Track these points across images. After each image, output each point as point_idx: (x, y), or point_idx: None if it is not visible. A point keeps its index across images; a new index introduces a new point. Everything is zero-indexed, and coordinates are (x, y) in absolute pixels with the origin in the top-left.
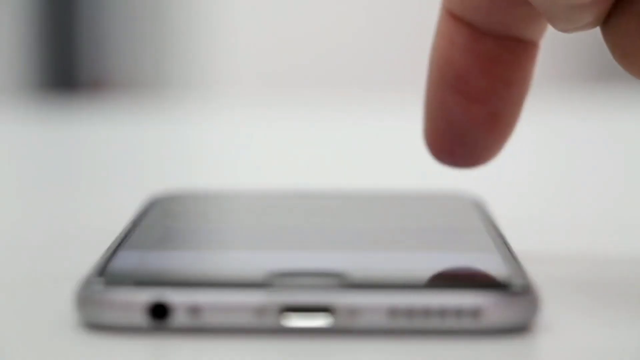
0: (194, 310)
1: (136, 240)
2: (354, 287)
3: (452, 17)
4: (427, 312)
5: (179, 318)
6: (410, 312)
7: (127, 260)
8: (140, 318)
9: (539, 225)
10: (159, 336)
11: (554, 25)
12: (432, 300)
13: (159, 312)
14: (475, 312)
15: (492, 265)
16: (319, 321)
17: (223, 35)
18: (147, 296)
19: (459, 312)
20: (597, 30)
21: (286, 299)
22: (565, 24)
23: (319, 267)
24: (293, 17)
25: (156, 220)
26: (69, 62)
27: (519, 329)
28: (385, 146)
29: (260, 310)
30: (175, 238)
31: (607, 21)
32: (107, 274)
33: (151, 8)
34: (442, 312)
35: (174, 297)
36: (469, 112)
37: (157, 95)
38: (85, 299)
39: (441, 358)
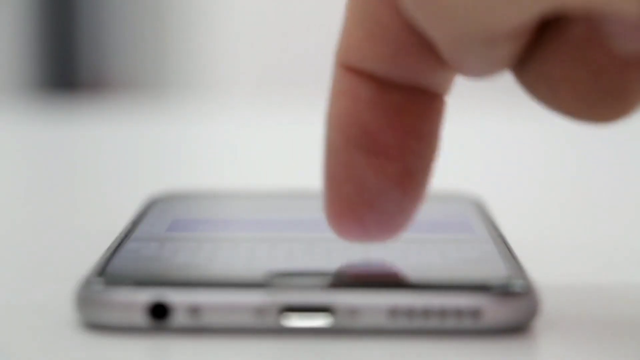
0: (194, 310)
1: (136, 240)
2: (354, 287)
3: (351, 72)
4: (427, 313)
5: (179, 318)
6: (410, 312)
7: (127, 260)
8: (140, 318)
9: (539, 225)
10: (159, 336)
11: (462, 72)
12: (432, 300)
13: (159, 312)
14: (475, 313)
15: (492, 265)
16: (319, 321)
17: (223, 35)
18: (147, 296)
19: (459, 312)
20: None
21: (286, 299)
22: (476, 67)
23: (319, 267)
24: (293, 17)
25: (156, 220)
26: (69, 62)
27: (518, 329)
28: None
29: (260, 310)
30: (175, 238)
31: (524, 62)
32: (107, 274)
33: (151, 8)
34: (442, 312)
35: (174, 297)
36: (381, 172)
37: (157, 96)
38: (85, 299)
39: (441, 358)
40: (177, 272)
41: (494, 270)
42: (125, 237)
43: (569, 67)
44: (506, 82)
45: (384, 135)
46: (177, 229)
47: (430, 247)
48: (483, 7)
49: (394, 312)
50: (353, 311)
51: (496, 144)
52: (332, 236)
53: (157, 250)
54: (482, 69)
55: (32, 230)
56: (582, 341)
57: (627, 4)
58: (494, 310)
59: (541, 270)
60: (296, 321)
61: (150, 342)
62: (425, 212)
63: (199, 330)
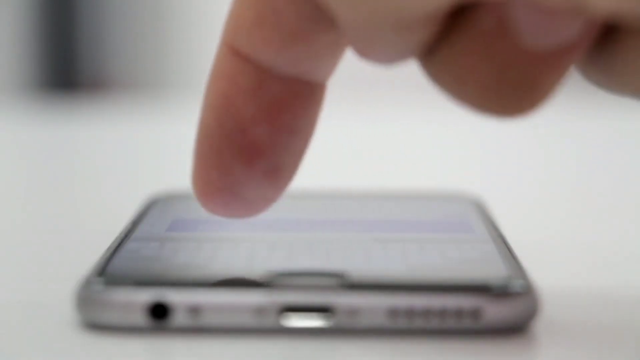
0: (194, 310)
1: (136, 240)
2: (354, 287)
3: (236, 55)
4: (427, 313)
5: (179, 318)
6: (410, 313)
7: (127, 260)
8: (140, 318)
9: (539, 226)
10: (159, 336)
11: (368, 56)
12: (432, 300)
13: (159, 312)
14: (475, 313)
15: (492, 265)
16: (319, 321)
17: None
18: (147, 296)
19: (459, 313)
20: None
21: (286, 299)
22: (382, 53)
23: (319, 267)
24: None
25: (156, 220)
26: (69, 62)
27: (518, 329)
28: (385, 146)
29: (260, 310)
30: (175, 238)
31: (431, 51)
32: (107, 274)
33: (151, 8)
34: (442, 313)
35: (174, 297)
36: (248, 166)
37: (157, 95)
38: (85, 299)
39: (441, 358)
40: (177, 272)
41: (494, 270)
42: (125, 237)
43: (477, 58)
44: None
45: (257, 130)
46: (177, 229)
47: (430, 247)
48: None
49: (394, 312)
50: (353, 311)
51: (496, 144)
52: (332, 236)
53: (157, 250)
54: (388, 56)
55: (32, 230)
56: (582, 341)
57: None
58: (494, 310)
59: (541, 270)
60: (296, 321)
61: (150, 342)
62: (425, 212)
63: (199, 330)
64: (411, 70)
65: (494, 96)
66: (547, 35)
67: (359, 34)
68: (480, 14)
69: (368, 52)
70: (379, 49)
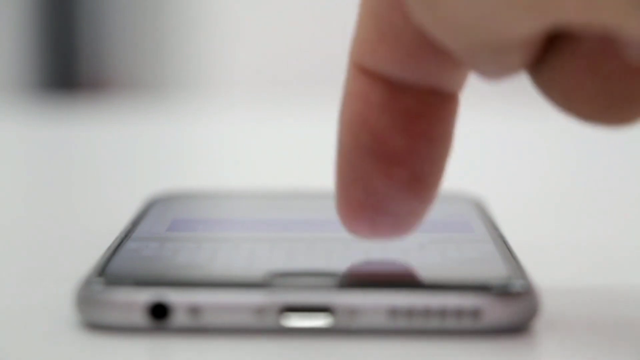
0: (194, 310)
1: (136, 240)
2: (354, 287)
3: (364, 73)
4: (427, 313)
5: (179, 318)
6: (410, 313)
7: (127, 260)
8: (140, 318)
9: (539, 226)
10: (159, 336)
11: (478, 74)
12: (432, 300)
13: (159, 312)
14: (475, 313)
15: (492, 265)
16: (318, 321)
17: (223, 35)
18: (147, 296)
19: (459, 313)
20: None
21: (286, 299)
22: (490, 71)
23: (319, 267)
24: (292, 17)
25: (156, 220)
26: (69, 62)
27: (518, 329)
28: None
29: (260, 310)
30: (175, 238)
31: (539, 64)
32: (107, 274)
33: (151, 8)
34: (442, 313)
35: (174, 297)
36: (390, 177)
37: (157, 95)
38: (85, 299)
39: (441, 358)
40: (177, 272)
41: (494, 270)
42: (125, 237)
43: (581, 75)
44: (506, 82)
45: (394, 140)
46: (177, 229)
47: (431, 247)
48: (487, 19)
49: (394, 312)
50: (353, 311)
51: (496, 144)
52: (332, 236)
53: (157, 250)
54: (495, 73)
55: (32, 230)
56: (582, 341)
57: (629, 25)
58: (494, 310)
59: (541, 270)
60: (296, 321)
61: (150, 342)
62: None
63: (199, 330)
64: None
65: (600, 109)
66: None
67: (462, 56)
68: (581, 36)
69: (476, 70)
70: (485, 68)
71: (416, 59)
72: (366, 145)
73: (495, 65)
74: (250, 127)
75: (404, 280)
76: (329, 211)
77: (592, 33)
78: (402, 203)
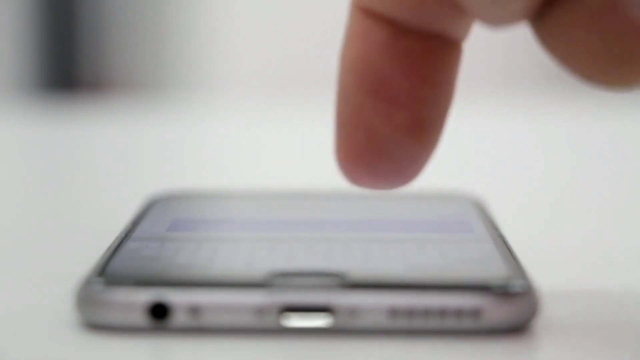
0: (194, 310)
1: (136, 240)
2: (354, 287)
3: (368, 14)
4: (427, 313)
5: (179, 318)
6: (410, 313)
7: (127, 260)
8: (140, 318)
9: (539, 225)
10: (159, 336)
11: (480, 19)
12: (432, 300)
13: (159, 312)
14: (475, 313)
15: (492, 265)
16: (319, 321)
17: (223, 35)
18: (147, 296)
19: (459, 313)
20: None
21: (286, 299)
22: (491, 18)
23: (319, 267)
24: (292, 17)
25: (156, 220)
26: (69, 62)
27: (518, 329)
28: None
29: (260, 310)
30: (175, 238)
31: (542, 16)
32: (107, 274)
33: (151, 8)
34: (442, 313)
35: (174, 297)
36: (392, 119)
37: (157, 96)
38: (85, 299)
39: (441, 358)
40: (177, 272)
41: (494, 270)
42: (125, 237)
43: (584, 30)
44: (506, 82)
45: (396, 82)
46: (177, 229)
47: (430, 247)
48: None
49: (394, 312)
50: (353, 311)
51: (496, 144)
52: (332, 236)
53: (157, 250)
54: (498, 19)
55: (32, 230)
56: (582, 341)
57: None
58: (494, 310)
59: (541, 270)
60: (296, 321)
61: (150, 342)
62: (425, 212)
63: (199, 330)
64: None
65: (601, 67)
66: None
67: (468, 2)
68: None
69: (478, 15)
70: (487, 14)
71: (420, 3)
72: (368, 86)
73: (497, 12)
74: (250, 127)
75: (404, 281)
76: (329, 211)
77: None
78: (403, 148)
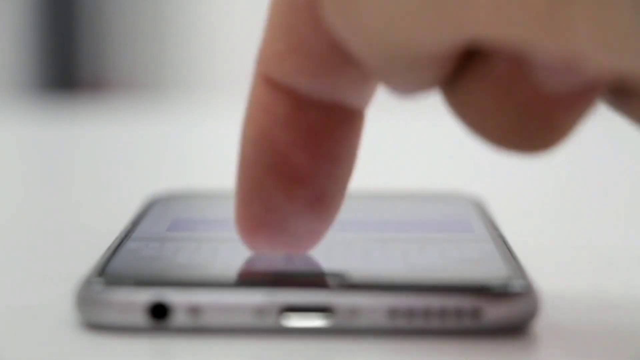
0: (194, 310)
1: (136, 240)
2: (354, 287)
3: (270, 84)
4: (427, 313)
5: (179, 318)
6: (410, 313)
7: (127, 260)
8: (140, 318)
9: (539, 226)
10: (159, 336)
11: (388, 87)
12: (432, 300)
13: (159, 312)
14: (475, 313)
15: (492, 265)
16: (318, 321)
17: (222, 35)
18: (147, 296)
19: (459, 313)
20: None
21: (286, 299)
22: (402, 87)
23: (319, 267)
24: None
25: (156, 220)
26: (69, 62)
27: (518, 329)
28: (384, 146)
29: (260, 310)
30: (175, 238)
31: (452, 84)
32: (107, 274)
33: (151, 8)
34: (442, 313)
35: (174, 297)
36: (291, 194)
37: (157, 96)
38: (85, 299)
39: (441, 358)
40: (177, 272)
41: (494, 270)
42: (125, 237)
43: (494, 98)
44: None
45: (296, 158)
46: (177, 229)
47: (430, 247)
48: (397, 24)
49: (394, 312)
50: (353, 311)
51: None
52: (332, 236)
53: (157, 250)
54: (407, 89)
55: (32, 230)
56: (582, 341)
57: (538, 41)
58: (494, 310)
59: (541, 270)
60: (296, 321)
61: (150, 342)
62: (425, 212)
63: (199, 330)
64: None
65: (512, 136)
66: (563, 83)
67: (374, 69)
68: (494, 57)
69: (388, 85)
70: (397, 84)
71: (325, 71)
72: (268, 160)
73: (407, 80)
74: None
75: (403, 281)
76: None
77: (505, 51)
78: (302, 222)
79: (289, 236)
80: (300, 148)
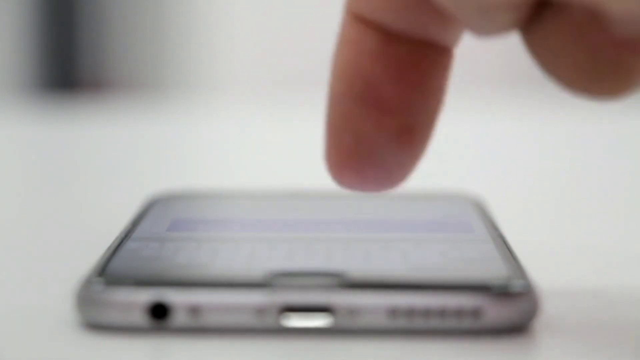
0: (194, 310)
1: (136, 240)
2: (354, 287)
3: (359, 21)
4: (427, 313)
5: (179, 318)
6: (410, 312)
7: (127, 260)
8: (140, 318)
9: (539, 225)
10: (159, 336)
11: (469, 30)
12: (432, 300)
13: (159, 312)
14: (475, 313)
15: (492, 265)
16: (318, 321)
17: (222, 35)
18: (147, 296)
19: (459, 312)
20: None
21: (286, 299)
22: (480, 29)
23: (319, 267)
24: (291, 17)
25: (156, 220)
26: (69, 62)
27: (519, 329)
28: None
29: (260, 310)
30: (175, 238)
31: (530, 26)
32: (107, 274)
33: (151, 9)
34: (442, 312)
35: (174, 297)
36: (381, 125)
37: (157, 96)
38: (85, 299)
39: (441, 358)
40: (177, 272)
41: (494, 270)
42: (125, 237)
43: (569, 41)
44: (506, 82)
45: (386, 88)
46: (177, 229)
47: (430, 247)
48: None
49: (394, 312)
50: (353, 311)
51: (496, 144)
52: (332, 236)
53: (157, 250)
54: (487, 30)
55: (32, 230)
56: (582, 341)
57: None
58: (494, 310)
59: (541, 270)
60: (296, 321)
61: (150, 342)
62: (425, 212)
63: (199, 330)
64: None
65: (586, 78)
66: (635, 29)
67: (456, 14)
68: (568, 5)
69: (469, 27)
70: (475, 26)
71: (412, 10)
72: (358, 93)
73: (486, 23)
74: (250, 126)
75: (404, 280)
76: (329, 211)
77: (578, 4)
78: (391, 153)
79: (378, 169)
80: (390, 80)
